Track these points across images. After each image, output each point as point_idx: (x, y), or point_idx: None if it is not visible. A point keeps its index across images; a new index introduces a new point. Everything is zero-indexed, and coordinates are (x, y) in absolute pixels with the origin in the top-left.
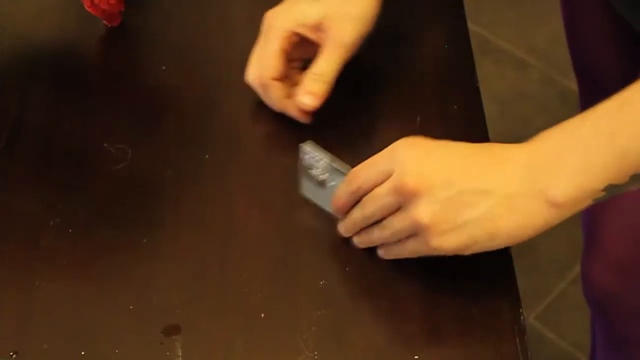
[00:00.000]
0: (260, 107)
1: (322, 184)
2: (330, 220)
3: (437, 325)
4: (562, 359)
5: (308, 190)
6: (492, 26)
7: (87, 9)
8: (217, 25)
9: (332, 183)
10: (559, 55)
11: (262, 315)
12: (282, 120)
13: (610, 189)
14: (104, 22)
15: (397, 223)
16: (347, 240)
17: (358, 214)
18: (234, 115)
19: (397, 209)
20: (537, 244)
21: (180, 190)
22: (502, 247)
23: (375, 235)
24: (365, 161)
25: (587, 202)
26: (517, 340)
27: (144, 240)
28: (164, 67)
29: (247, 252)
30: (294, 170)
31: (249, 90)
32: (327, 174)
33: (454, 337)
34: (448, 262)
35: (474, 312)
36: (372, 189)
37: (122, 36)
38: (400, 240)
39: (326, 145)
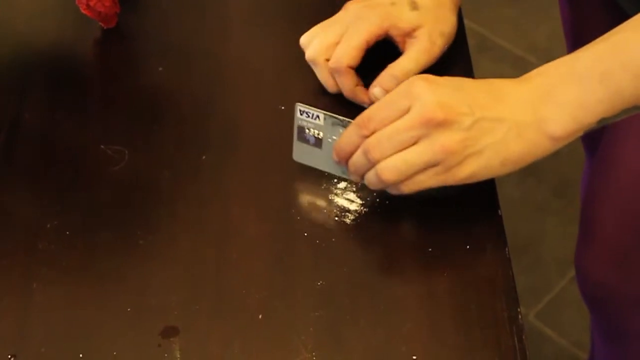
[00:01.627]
0: (258, 107)
1: (318, 143)
2: (327, 220)
3: (436, 325)
4: (562, 357)
5: (302, 154)
6: (490, 24)
7: (83, 11)
8: (214, 26)
9: (330, 139)
10: (558, 53)
11: (260, 316)
12: (280, 121)
13: (603, 121)
14: (100, 24)
15: (422, 155)
16: (344, 241)
17: (376, 154)
18: (231, 116)
19: (413, 143)
20: (537, 241)
21: (177, 192)
22: (506, 173)
23: (390, 173)
24: (376, 103)
25: (580, 133)
26: (516, 339)
27: (141, 242)
28: (160, 69)
29: (245, 253)
30: (292, 170)
31: (246, 89)
32: (322, 132)
33: (453, 337)
34: (447, 261)
35: (472, 311)
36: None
37: (119, 38)
38: (416, 173)
39: None
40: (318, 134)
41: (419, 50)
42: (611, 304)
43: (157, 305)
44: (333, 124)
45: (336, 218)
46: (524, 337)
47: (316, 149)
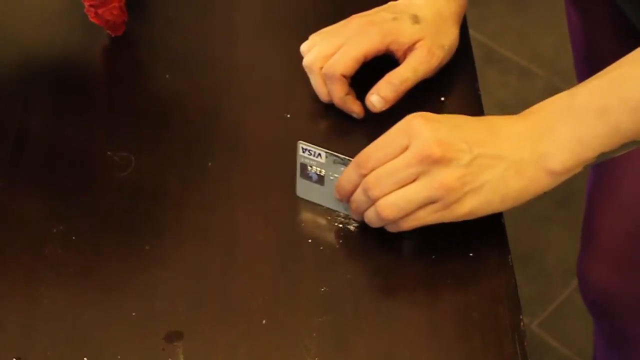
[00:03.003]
0: (263, 115)
1: (320, 180)
2: (331, 227)
3: (438, 332)
4: None
5: (304, 190)
6: (496, 35)
7: (91, 19)
8: (220, 34)
9: (332, 178)
10: (564, 64)
11: (264, 321)
12: (285, 128)
13: (602, 156)
14: (108, 31)
15: (421, 192)
16: (348, 247)
17: (375, 192)
18: (237, 123)
19: (412, 180)
20: (541, 251)
21: (183, 197)
22: (507, 209)
23: (390, 210)
24: (375, 141)
25: (580, 169)
26: (517, 346)
27: (147, 247)
28: (167, 76)
29: (250, 259)
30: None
31: (252, 97)
32: (324, 170)
33: (455, 343)
34: (449, 269)
35: (475, 318)
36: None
37: (126, 45)
38: (413, 211)
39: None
40: (320, 172)
41: (418, 60)
42: (613, 311)
43: (162, 310)
44: (334, 162)
45: (340, 225)
46: (525, 344)
47: (318, 186)
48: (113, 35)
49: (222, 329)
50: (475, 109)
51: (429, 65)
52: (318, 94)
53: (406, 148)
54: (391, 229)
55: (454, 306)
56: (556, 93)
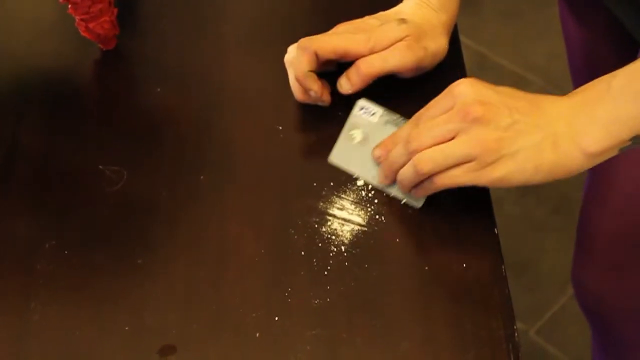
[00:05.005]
0: (255, 127)
1: (363, 142)
2: (323, 240)
3: (432, 343)
4: None
5: (341, 153)
6: (490, 43)
7: (82, 33)
8: (212, 47)
9: (376, 139)
10: (558, 71)
11: (257, 334)
12: (277, 141)
13: (636, 139)
14: (99, 45)
15: (458, 148)
16: (340, 260)
17: (414, 144)
18: (229, 136)
19: (451, 137)
20: (538, 258)
21: (175, 211)
22: (539, 182)
23: (426, 163)
24: (425, 106)
25: (614, 152)
26: (512, 357)
27: (139, 262)
28: (159, 89)
29: (242, 272)
30: (289, 190)
31: (244, 110)
32: (371, 132)
33: (449, 355)
34: (442, 280)
35: (468, 329)
36: None
37: (117, 59)
38: (448, 169)
39: (313, 166)
40: (366, 133)
41: (392, 51)
42: (608, 315)
43: (155, 324)
44: (386, 122)
45: (333, 237)
46: (520, 354)
47: (358, 148)
48: (104, 49)
49: (215, 343)
50: None
51: (403, 59)
52: (293, 91)
53: (452, 107)
54: (424, 188)
55: (448, 317)
56: None
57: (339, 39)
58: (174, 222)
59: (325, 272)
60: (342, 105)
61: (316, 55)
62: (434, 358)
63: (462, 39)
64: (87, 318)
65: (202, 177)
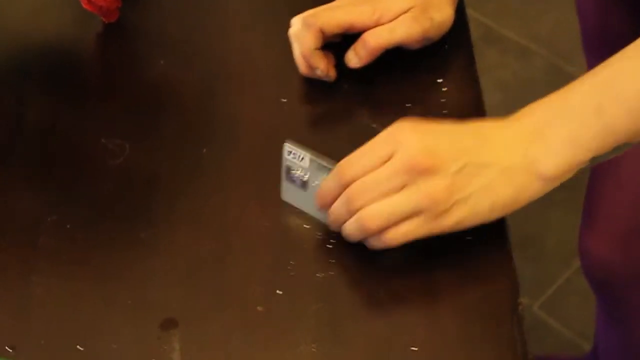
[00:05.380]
0: (259, 100)
1: (303, 185)
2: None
3: (436, 316)
4: (566, 348)
5: (289, 193)
6: (495, 15)
7: (84, 6)
8: (215, 19)
9: (315, 183)
10: (563, 43)
11: (259, 308)
12: (281, 114)
13: (594, 160)
14: (102, 18)
15: (407, 202)
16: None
17: (358, 203)
18: (232, 108)
19: (397, 191)
20: (542, 232)
21: (178, 185)
22: (495, 219)
23: (373, 220)
24: (358, 150)
25: (572, 174)
26: (515, 330)
27: (142, 235)
28: (162, 62)
29: (244, 246)
30: None
31: (248, 82)
32: (308, 174)
33: (453, 328)
34: (447, 252)
35: (473, 301)
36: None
37: (120, 32)
38: (398, 223)
39: (319, 138)
40: (304, 176)
41: (399, 22)
42: (615, 283)
43: (157, 297)
44: (318, 168)
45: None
46: (523, 326)
47: (302, 191)
48: (107, 22)
49: (217, 317)
50: (473, 90)
51: (410, 31)
52: (298, 65)
53: (391, 156)
54: (374, 244)
55: (452, 290)
56: (556, 72)
57: (344, 12)
58: (177, 195)
59: (328, 246)
60: (347, 78)
61: (321, 31)
62: (438, 330)
63: (468, 11)
64: (90, 292)
65: (204, 149)
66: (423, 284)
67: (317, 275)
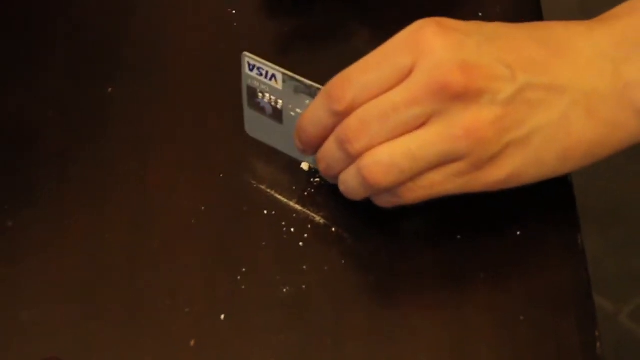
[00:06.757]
0: (197, 9)
1: (276, 114)
2: (299, 185)
3: (466, 349)
4: None
5: (255, 126)
6: None
7: None
8: None
9: (294, 113)
10: None
11: (192, 342)
12: (229, 29)
13: None
14: None
15: (434, 143)
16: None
17: (358, 144)
18: (158, 22)
19: (419, 126)
20: (626, 212)
21: (69, 144)
22: (568, 172)
23: (382, 172)
24: (360, 61)
25: None
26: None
27: (10, 224)
28: None
29: (170, 243)
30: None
31: None
32: (282, 100)
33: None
34: (483, 255)
35: (521, 331)
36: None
37: None
38: (422, 173)
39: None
40: (276, 103)
41: None
42: None
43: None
44: (296, 91)
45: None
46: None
47: (274, 124)
48: None
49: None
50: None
51: None
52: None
53: (410, 72)
54: (384, 202)
55: (489, 313)
56: None
57: None
58: (67, 161)
59: (301, 243)
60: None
61: None
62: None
63: None
64: None
65: (110, 89)
66: (446, 304)
67: (283, 289)
